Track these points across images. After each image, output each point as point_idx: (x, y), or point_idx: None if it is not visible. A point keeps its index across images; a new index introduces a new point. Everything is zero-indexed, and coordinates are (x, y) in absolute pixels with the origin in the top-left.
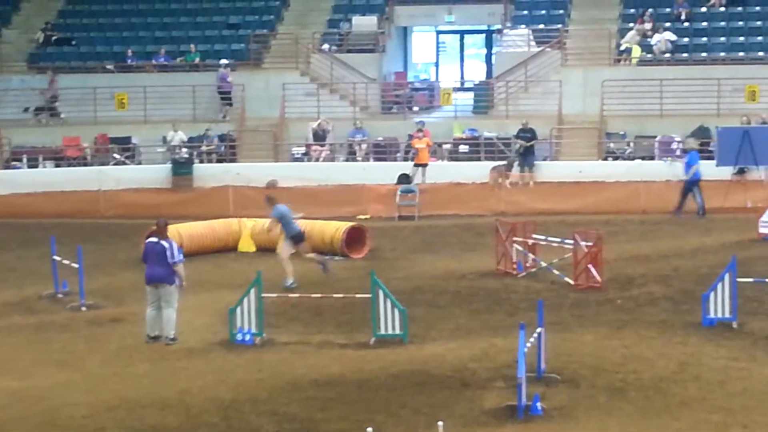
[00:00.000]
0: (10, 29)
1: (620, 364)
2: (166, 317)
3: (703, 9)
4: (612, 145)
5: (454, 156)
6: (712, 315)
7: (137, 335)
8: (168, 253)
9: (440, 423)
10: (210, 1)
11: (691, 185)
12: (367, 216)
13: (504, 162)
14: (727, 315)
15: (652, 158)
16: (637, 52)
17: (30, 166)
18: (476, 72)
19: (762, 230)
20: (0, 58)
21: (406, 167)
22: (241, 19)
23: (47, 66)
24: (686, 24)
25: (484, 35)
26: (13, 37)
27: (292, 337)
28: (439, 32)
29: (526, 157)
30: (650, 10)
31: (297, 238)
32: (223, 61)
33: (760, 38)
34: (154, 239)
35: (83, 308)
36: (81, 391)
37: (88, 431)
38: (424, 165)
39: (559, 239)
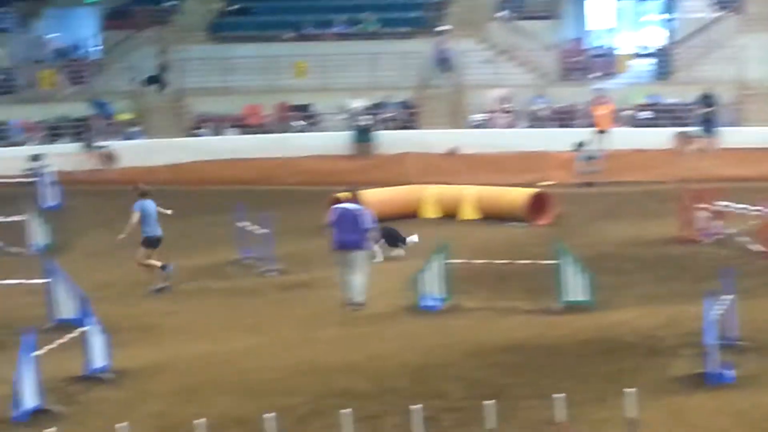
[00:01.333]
0: (189, 0)
1: None
2: (356, 283)
3: None
4: None
5: (635, 122)
6: None
7: (325, 300)
8: (360, 219)
9: (630, 390)
10: None
11: None
12: (552, 182)
13: (690, 128)
14: None
15: None
16: None
17: (214, 134)
18: (656, 38)
19: None
20: (180, 29)
21: (587, 134)
22: None
23: (226, 35)
24: None
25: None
26: (192, 7)
27: (477, 303)
28: None
29: (708, 123)
30: None
31: (151, 242)
32: (444, 27)
33: None
34: (346, 205)
35: (272, 273)
36: (271, 356)
37: (278, 395)
38: (605, 131)
39: (744, 206)
